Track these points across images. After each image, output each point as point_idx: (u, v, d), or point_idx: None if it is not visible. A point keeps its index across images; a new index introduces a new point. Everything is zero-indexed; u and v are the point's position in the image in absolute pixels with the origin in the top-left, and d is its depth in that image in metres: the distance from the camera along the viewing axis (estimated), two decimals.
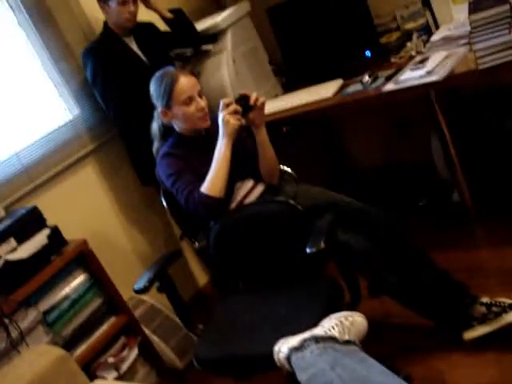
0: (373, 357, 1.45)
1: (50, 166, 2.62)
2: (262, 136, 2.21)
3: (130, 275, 2.45)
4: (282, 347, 1.56)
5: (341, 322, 1.57)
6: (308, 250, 1.77)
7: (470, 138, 2.74)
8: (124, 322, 2.48)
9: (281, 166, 2.35)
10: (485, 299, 2.11)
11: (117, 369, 2.41)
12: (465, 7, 2.34)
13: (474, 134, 2.75)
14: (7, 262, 2.15)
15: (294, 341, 1.54)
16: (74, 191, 2.70)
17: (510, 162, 2.68)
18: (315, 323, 1.62)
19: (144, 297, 2.63)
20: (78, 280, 2.39)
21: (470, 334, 2.08)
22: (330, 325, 1.56)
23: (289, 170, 2.43)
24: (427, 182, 3.07)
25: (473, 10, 2.20)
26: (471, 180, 2.75)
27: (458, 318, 2.10)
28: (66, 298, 2.33)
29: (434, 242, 2.51)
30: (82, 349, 2.35)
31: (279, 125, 2.86)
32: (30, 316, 2.23)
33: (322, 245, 1.75)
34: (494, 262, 2.52)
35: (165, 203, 2.33)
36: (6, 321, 2.13)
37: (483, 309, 2.09)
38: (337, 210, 2.08)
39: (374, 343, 1.64)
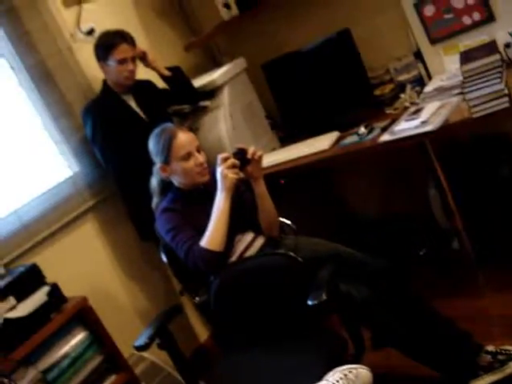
0: None
1: (50, 223, 2.62)
2: (261, 188, 2.22)
3: (130, 332, 2.42)
4: None
5: (345, 375, 1.55)
6: (310, 303, 1.76)
7: (467, 185, 2.75)
8: (125, 380, 2.43)
9: (280, 218, 2.36)
10: (490, 348, 2.09)
11: None
12: (456, 58, 2.40)
13: (471, 181, 2.76)
14: (7, 321, 2.13)
15: None
16: (74, 247, 2.69)
17: (507, 209, 2.69)
18: (320, 377, 1.60)
19: (145, 354, 2.59)
20: (78, 338, 2.35)
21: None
22: (334, 379, 1.54)
23: (288, 222, 2.44)
24: (426, 231, 3.07)
25: (464, 60, 2.25)
26: (470, 227, 2.74)
27: (464, 368, 2.07)
28: (65, 356, 2.29)
29: (436, 291, 2.50)
30: None
31: (277, 177, 2.88)
32: (30, 375, 2.18)
33: (324, 297, 1.74)
34: (497, 308, 2.50)
35: (165, 258, 2.32)
36: (6, 381, 2.09)
37: (489, 357, 2.06)
38: (337, 260, 2.07)
39: None
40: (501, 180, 2.71)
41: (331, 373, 1.58)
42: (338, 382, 1.52)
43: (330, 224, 3.29)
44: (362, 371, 1.58)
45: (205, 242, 2.07)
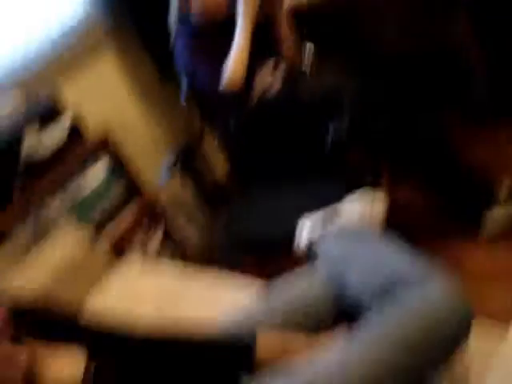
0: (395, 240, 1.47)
1: (69, 58, 2.59)
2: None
3: (151, 164, 2.47)
4: (302, 230, 1.59)
5: (361, 203, 1.59)
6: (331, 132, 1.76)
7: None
8: (147, 208, 2.54)
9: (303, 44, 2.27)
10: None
11: (142, 253, 2.50)
12: None
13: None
14: (31, 149, 2.18)
15: (313, 225, 1.57)
16: (93, 82, 2.67)
17: None
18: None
19: (166, 185, 2.67)
20: (101, 167, 2.42)
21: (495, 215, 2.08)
22: (349, 207, 1.59)
23: (312, 48, 2.33)
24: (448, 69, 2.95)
25: None
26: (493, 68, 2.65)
27: (478, 215, 2.10)
28: (89, 185, 2.37)
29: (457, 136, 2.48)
30: (107, 233, 2.41)
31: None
32: (55, 204, 2.27)
33: (344, 126, 1.74)
34: None
35: (183, 98, 2.29)
36: (32, 209, 2.18)
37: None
38: (360, 94, 2.02)
39: (396, 228, 1.66)
40: None
41: (348, 200, 1.62)
42: (352, 209, 1.56)
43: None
44: (378, 198, 1.62)
45: (226, 76, 2.03)
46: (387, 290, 1.19)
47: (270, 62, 2.19)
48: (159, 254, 2.58)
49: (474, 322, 1.13)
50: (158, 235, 2.56)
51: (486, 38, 2.64)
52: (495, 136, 2.65)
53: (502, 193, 2.08)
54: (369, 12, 3.20)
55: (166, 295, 1.76)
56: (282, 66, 2.21)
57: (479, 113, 2.73)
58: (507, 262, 2.00)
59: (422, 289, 1.15)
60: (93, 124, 2.42)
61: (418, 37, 2.91)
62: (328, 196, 1.83)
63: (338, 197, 1.75)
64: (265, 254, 2.02)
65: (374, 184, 1.90)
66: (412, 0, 2.81)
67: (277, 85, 2.18)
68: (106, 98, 2.72)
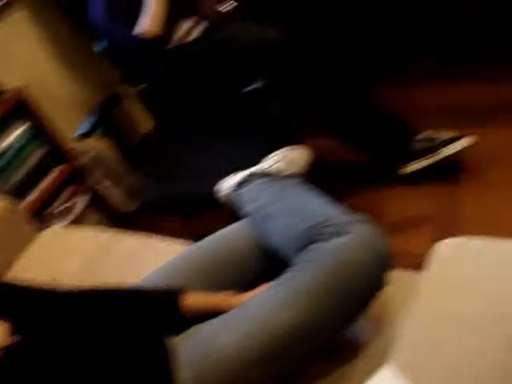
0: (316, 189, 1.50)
1: None
2: None
3: (71, 123, 2.39)
4: (226, 183, 1.60)
5: (284, 156, 1.60)
6: (251, 86, 1.74)
7: None
8: (70, 170, 2.48)
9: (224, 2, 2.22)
10: (425, 134, 2.17)
11: (66, 217, 2.44)
12: None
13: None
14: None
15: (237, 177, 1.57)
16: (5, 38, 2.55)
17: None
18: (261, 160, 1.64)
19: (88, 145, 2.60)
20: (20, 129, 2.32)
21: (409, 169, 2.16)
22: (273, 160, 1.59)
23: (234, 4, 2.29)
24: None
25: None
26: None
27: (399, 153, 2.17)
28: (8, 148, 2.28)
29: (380, 78, 2.53)
30: (29, 199, 2.34)
31: None
32: None
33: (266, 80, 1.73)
34: (433, 99, 2.57)
35: (100, 47, 2.22)
36: None
37: (423, 144, 2.15)
38: (284, 47, 2.00)
39: (317, 178, 1.69)
40: None
41: (271, 155, 1.62)
42: (277, 162, 1.56)
43: None
44: (300, 151, 1.63)
45: (141, 25, 1.97)
46: (309, 238, 1.21)
47: (191, 20, 2.15)
48: (84, 217, 2.54)
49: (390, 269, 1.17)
50: (83, 198, 2.51)
51: None
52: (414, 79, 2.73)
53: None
54: None
55: (88, 261, 1.73)
56: (204, 23, 2.17)
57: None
58: (431, 206, 2.08)
59: (343, 236, 1.17)
60: (9, 86, 2.31)
61: None
62: (252, 152, 1.82)
63: (261, 153, 1.75)
64: (190, 212, 2.02)
65: (297, 137, 1.91)
66: None
67: (196, 34, 2.14)
68: (22, 59, 2.59)
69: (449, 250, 1.12)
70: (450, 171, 2.16)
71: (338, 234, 1.17)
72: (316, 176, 1.72)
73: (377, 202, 2.20)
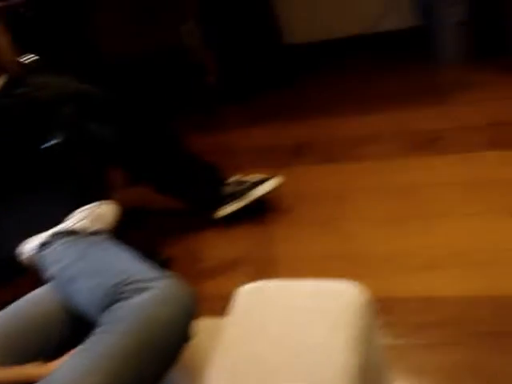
0: (132, 243, 1.48)
1: None
2: None
3: None
4: (28, 245, 1.52)
5: (90, 212, 1.56)
6: (51, 142, 1.70)
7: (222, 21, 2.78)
8: None
9: (24, 55, 2.15)
10: (234, 178, 2.24)
11: None
12: None
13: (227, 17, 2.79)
14: None
15: (41, 238, 1.51)
16: None
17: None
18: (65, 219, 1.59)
19: None
20: None
21: (221, 212, 2.22)
22: (78, 217, 1.55)
23: (34, 57, 2.23)
24: (180, 66, 3.07)
25: None
26: (222, 63, 2.83)
27: (210, 199, 2.22)
28: None
29: (188, 126, 2.59)
30: None
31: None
32: None
33: (65, 135, 1.69)
34: (244, 141, 2.68)
35: None
36: None
37: (233, 187, 2.22)
38: (85, 100, 1.99)
39: (132, 230, 1.68)
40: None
41: (76, 213, 1.58)
42: (82, 220, 1.52)
43: (76, 60, 3.08)
44: (107, 206, 1.60)
45: None
46: (113, 297, 1.17)
47: None
48: None
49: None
50: None
51: (213, 36, 2.79)
52: (226, 123, 2.84)
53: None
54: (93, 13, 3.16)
55: None
56: (3, 77, 2.08)
57: (210, 102, 2.90)
58: (246, 247, 2.14)
59: (146, 292, 1.15)
60: None
61: (144, 37, 2.97)
62: (60, 209, 1.77)
63: (69, 210, 1.70)
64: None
65: (104, 192, 1.89)
66: (133, 3, 2.85)
67: None
68: None
69: (247, 295, 1.16)
70: (262, 212, 2.25)
71: (140, 291, 1.15)
72: (133, 227, 1.72)
73: (195, 247, 2.22)
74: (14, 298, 1.39)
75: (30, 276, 1.62)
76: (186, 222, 2.31)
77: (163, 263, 1.95)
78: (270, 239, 2.15)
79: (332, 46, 2.94)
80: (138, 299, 1.15)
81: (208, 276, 2.07)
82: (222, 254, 2.16)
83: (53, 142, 1.68)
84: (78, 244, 1.44)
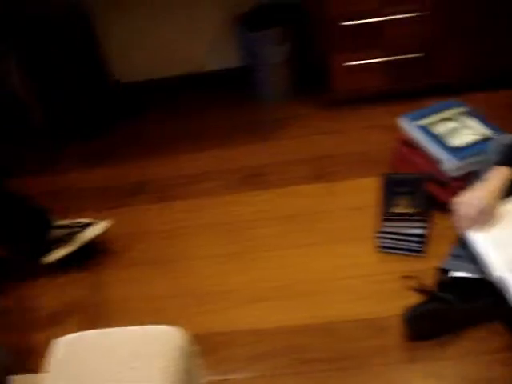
0: None
1: None
2: None
3: None
4: None
5: None
6: None
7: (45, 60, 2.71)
8: None
9: None
10: (63, 222, 2.17)
11: None
12: None
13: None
14: None
15: None
16: None
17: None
18: None
19: None
20: None
21: (50, 258, 2.13)
22: None
23: None
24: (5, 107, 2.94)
25: None
26: (46, 102, 2.76)
27: (37, 243, 2.12)
28: None
29: (22, 168, 2.48)
30: None
31: None
32: None
33: None
34: (79, 182, 2.61)
35: None
36: None
37: (62, 231, 2.15)
38: None
39: None
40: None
41: None
42: None
43: None
44: None
45: None
46: None
47: None
48: None
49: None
50: None
51: (37, 78, 2.71)
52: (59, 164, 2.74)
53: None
54: None
55: None
56: None
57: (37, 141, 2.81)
58: (78, 293, 2.07)
59: None
60: None
61: None
62: None
63: None
64: None
65: None
66: None
67: None
68: None
69: (65, 347, 1.12)
70: (95, 255, 2.19)
71: None
72: None
73: (26, 296, 2.11)
74: None
75: None
76: (16, 269, 2.19)
77: None
78: (103, 283, 2.10)
79: (164, 85, 2.97)
80: None
81: (39, 326, 1.97)
82: (54, 302, 2.07)
83: None
84: None
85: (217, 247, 2.14)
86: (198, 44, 2.90)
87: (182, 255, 2.13)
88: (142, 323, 1.25)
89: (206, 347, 1.77)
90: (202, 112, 2.84)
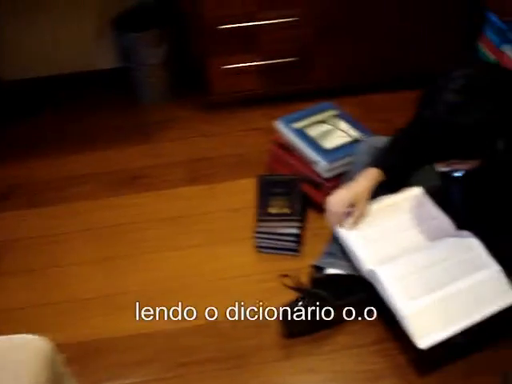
0: None
1: None
2: None
3: None
4: None
5: None
6: None
7: None
8: None
9: None
10: None
11: None
12: None
13: None
14: None
15: None
16: None
17: None
18: None
19: None
20: None
21: None
22: None
23: None
24: None
25: None
26: None
27: None
28: None
29: None
30: None
31: None
32: None
33: None
34: None
35: None
36: None
37: None
38: None
39: None
40: None
41: None
42: None
43: None
44: None
45: None
46: None
47: None
48: None
49: None
50: None
51: None
52: None
53: None
54: None
55: None
56: None
57: None
58: None
59: None
60: None
61: None
62: None
63: None
64: None
65: None
66: None
67: None
68: None
69: None
70: None
71: None
72: None
73: None
74: None
75: None
76: None
77: None
78: None
79: (39, 85, 2.85)
80: None
81: None
82: None
83: None
84: None
85: (92, 253, 2.08)
86: (80, 44, 2.80)
87: (53, 263, 2.05)
88: (11, 333, 1.20)
89: (85, 355, 1.74)
90: (84, 113, 2.75)
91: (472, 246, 1.71)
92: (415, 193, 1.84)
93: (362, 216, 1.76)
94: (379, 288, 1.66)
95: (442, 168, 1.53)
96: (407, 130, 1.75)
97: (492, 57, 2.41)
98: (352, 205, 1.74)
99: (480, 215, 1.71)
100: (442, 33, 2.58)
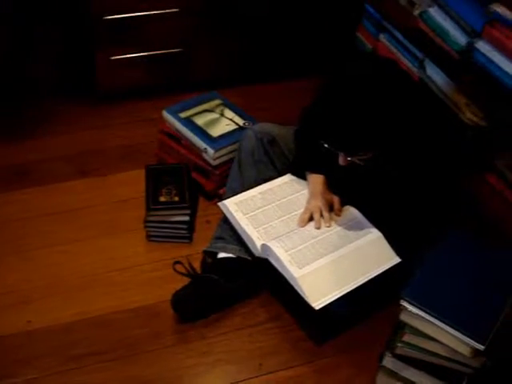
0: None
1: None
2: None
3: None
4: None
5: None
6: None
7: None
8: None
9: None
10: None
11: None
12: None
13: None
14: None
15: None
16: None
17: None
18: None
19: None
20: None
21: None
22: None
23: None
24: None
25: None
26: None
27: None
28: None
29: None
30: None
31: None
32: None
33: None
34: None
35: None
36: None
37: None
38: None
39: None
40: None
41: None
42: None
43: None
44: None
45: None
46: None
47: None
48: None
49: None
50: None
51: None
52: None
53: None
54: None
55: None
56: None
57: None
58: None
59: None
60: None
61: None
62: None
63: None
64: None
65: None
66: None
67: None
68: None
69: None
70: None
71: None
72: None
73: None
74: None
75: None
76: None
77: None
78: None
79: None
80: None
81: None
82: None
83: None
84: None
85: None
86: None
87: None
88: None
89: None
90: None
91: (355, 216, 1.83)
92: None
93: (339, 202, 1.85)
94: (273, 260, 1.72)
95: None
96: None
97: (369, 46, 2.53)
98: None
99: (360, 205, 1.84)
100: (322, 25, 2.68)
